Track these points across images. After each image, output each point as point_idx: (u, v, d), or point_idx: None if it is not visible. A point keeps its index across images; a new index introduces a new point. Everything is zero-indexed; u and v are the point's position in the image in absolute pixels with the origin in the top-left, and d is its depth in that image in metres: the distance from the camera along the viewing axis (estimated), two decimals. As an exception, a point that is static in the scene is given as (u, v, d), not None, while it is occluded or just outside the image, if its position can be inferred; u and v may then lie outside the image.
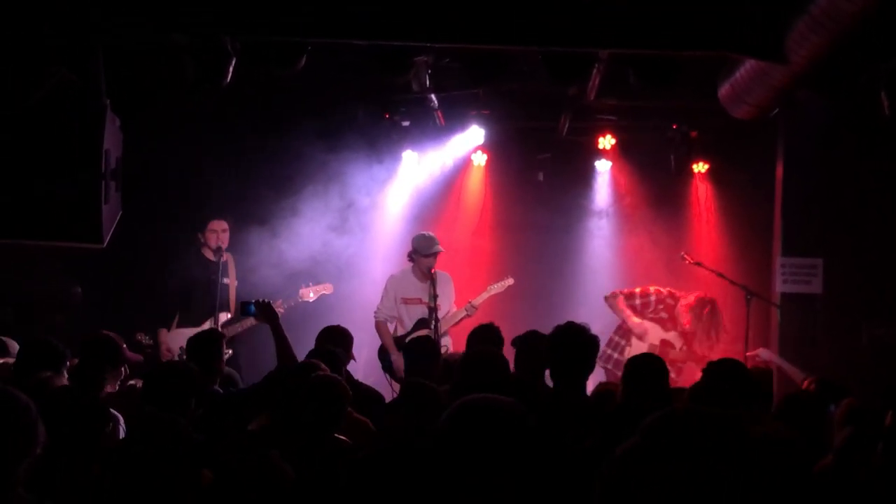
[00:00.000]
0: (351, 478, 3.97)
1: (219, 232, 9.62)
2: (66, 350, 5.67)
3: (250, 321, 8.92)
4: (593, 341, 5.67)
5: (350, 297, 10.39)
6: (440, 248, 9.57)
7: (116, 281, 10.03)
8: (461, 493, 2.69)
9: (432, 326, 8.99)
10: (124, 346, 6.10)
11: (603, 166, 11.54)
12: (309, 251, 9.99)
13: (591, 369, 5.55)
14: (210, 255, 9.61)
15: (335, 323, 7.31)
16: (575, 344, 5.48)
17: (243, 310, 6.83)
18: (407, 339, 8.50)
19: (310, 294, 9.54)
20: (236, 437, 4.02)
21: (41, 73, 6.68)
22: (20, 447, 3.16)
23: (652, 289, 10.02)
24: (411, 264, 9.59)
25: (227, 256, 9.57)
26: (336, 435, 4.76)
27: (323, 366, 5.42)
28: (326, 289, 9.67)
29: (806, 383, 6.37)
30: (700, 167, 11.44)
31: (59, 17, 6.58)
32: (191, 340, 6.29)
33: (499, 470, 2.69)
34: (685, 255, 10.22)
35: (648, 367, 5.32)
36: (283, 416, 4.74)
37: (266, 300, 6.67)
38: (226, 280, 9.50)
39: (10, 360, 5.83)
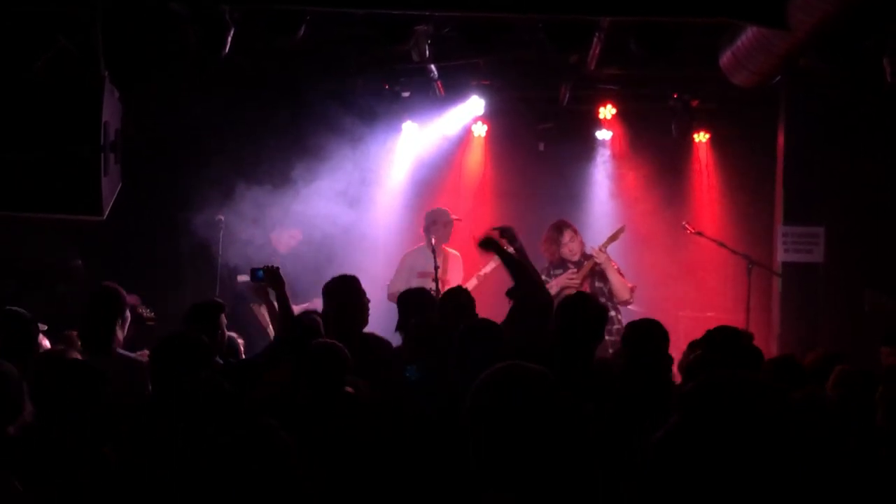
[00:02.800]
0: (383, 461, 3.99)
1: (295, 238, 9.81)
2: (34, 317, 5.68)
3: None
4: (603, 310, 5.72)
5: (349, 265, 10.35)
6: (437, 221, 9.66)
7: (118, 253, 10.02)
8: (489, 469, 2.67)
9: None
10: (121, 291, 6.11)
11: (604, 136, 11.51)
12: (309, 221, 9.98)
13: (600, 339, 5.58)
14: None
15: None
16: (585, 313, 5.49)
17: (252, 276, 6.87)
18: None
19: (281, 240, 9.58)
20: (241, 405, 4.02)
21: (40, 43, 6.65)
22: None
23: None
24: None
25: None
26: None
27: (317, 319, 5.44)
28: (295, 234, 9.71)
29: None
30: (701, 136, 11.42)
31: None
32: (192, 310, 6.27)
33: (530, 439, 2.66)
34: (686, 225, 10.19)
35: (648, 332, 5.37)
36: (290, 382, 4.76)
37: (275, 266, 6.72)
38: None
39: None
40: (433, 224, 9.59)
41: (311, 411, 4.51)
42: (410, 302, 6.50)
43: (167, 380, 4.60)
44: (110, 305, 5.90)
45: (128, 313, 6.06)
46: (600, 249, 8.98)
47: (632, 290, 9.07)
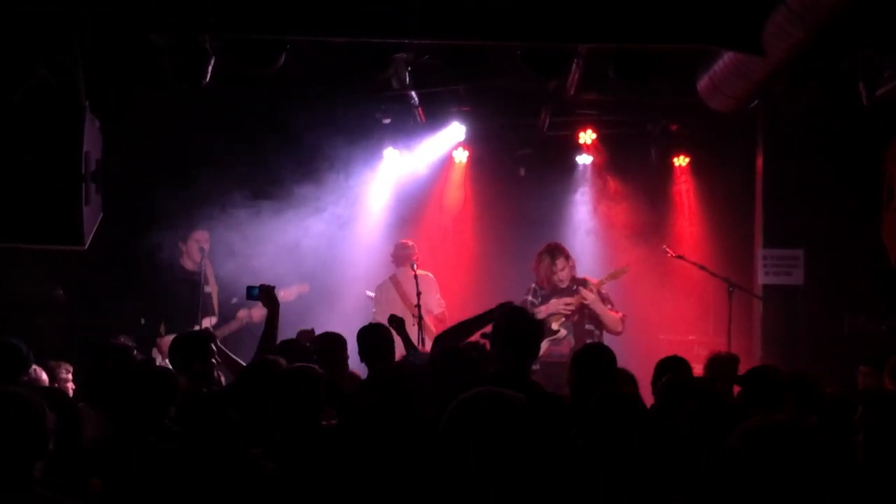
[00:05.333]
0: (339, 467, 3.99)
1: (202, 242, 9.72)
2: (31, 352, 5.61)
3: (237, 324, 9.14)
4: (538, 325, 5.79)
5: (329, 292, 10.43)
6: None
7: (99, 283, 9.99)
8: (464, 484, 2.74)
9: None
10: (135, 351, 6.07)
11: (584, 161, 11.56)
12: (291, 248, 10.00)
13: (535, 354, 5.59)
14: (190, 265, 9.66)
15: (315, 318, 7.33)
16: (520, 327, 5.52)
17: (248, 294, 6.86)
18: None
19: (290, 296, 9.58)
20: (215, 434, 3.99)
21: (20, 74, 6.66)
22: (33, 447, 3.31)
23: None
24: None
25: (207, 264, 9.62)
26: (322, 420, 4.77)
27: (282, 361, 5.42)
28: (303, 289, 9.74)
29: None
30: (681, 161, 11.48)
31: (35, 16, 6.56)
32: (175, 342, 6.21)
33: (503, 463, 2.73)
34: (667, 249, 10.23)
35: (595, 357, 5.45)
36: (261, 412, 4.70)
37: (271, 285, 6.71)
38: (207, 288, 9.52)
39: None
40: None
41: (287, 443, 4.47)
42: (369, 339, 6.46)
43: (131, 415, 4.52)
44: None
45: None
46: (591, 290, 9.03)
47: (622, 319, 9.11)
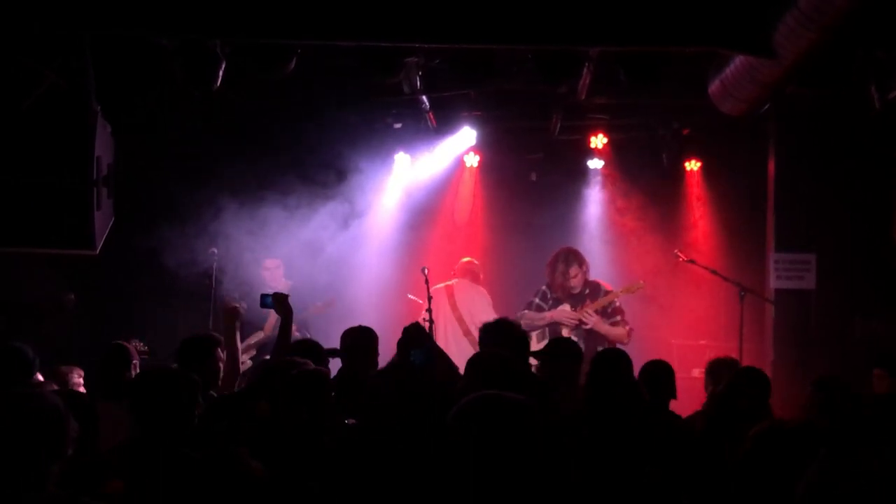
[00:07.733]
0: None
1: (272, 269, 9.83)
2: (36, 356, 5.61)
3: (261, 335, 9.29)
4: (525, 336, 5.81)
5: (341, 297, 10.42)
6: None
7: (111, 286, 10.01)
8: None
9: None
10: (131, 347, 6.10)
11: (595, 165, 11.55)
12: (302, 253, 10.00)
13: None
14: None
15: (325, 323, 7.32)
16: (508, 340, 5.52)
17: (262, 302, 6.86)
18: None
19: (318, 310, 9.65)
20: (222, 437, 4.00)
21: (30, 80, 6.69)
22: (51, 448, 3.27)
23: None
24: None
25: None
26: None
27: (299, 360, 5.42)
28: (331, 303, 9.78)
29: None
30: (692, 165, 11.47)
31: (41, 18, 6.58)
32: (183, 345, 6.19)
33: (506, 465, 2.73)
34: (678, 253, 10.21)
35: (613, 361, 5.46)
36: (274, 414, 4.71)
37: (285, 294, 6.72)
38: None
39: None
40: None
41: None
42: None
43: (148, 416, 4.50)
44: None
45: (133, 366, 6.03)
46: (590, 313, 9.04)
47: (629, 333, 9.11)
